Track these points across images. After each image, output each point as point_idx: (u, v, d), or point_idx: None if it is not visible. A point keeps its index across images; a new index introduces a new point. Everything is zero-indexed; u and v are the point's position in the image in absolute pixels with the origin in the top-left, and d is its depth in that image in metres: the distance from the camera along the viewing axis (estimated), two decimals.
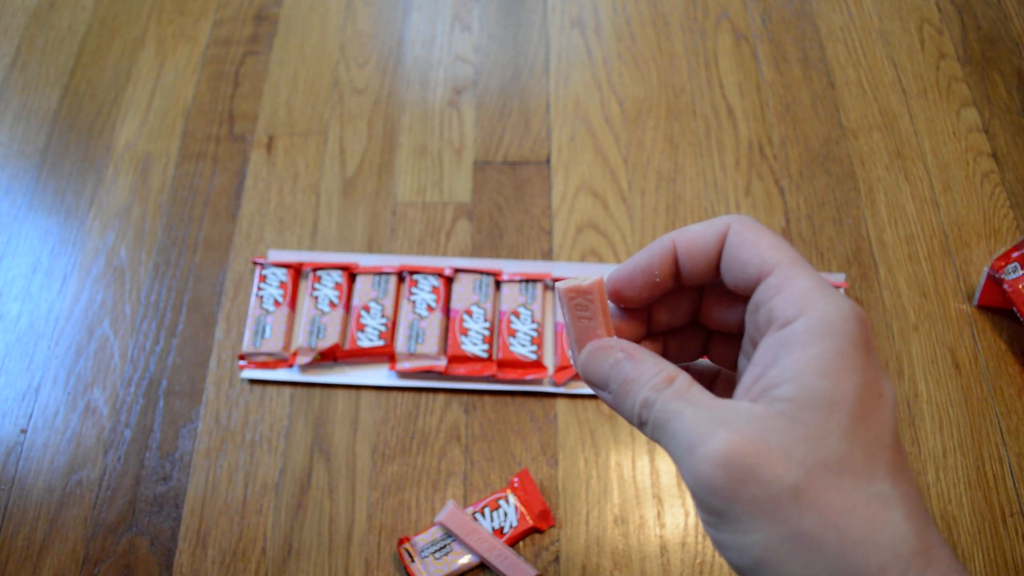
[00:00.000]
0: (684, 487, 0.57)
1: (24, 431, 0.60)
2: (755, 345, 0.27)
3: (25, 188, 0.71)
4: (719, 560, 0.55)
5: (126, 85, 0.76)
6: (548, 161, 0.72)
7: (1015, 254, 0.62)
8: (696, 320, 0.31)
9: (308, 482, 0.58)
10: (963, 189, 0.70)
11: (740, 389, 0.25)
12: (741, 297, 0.28)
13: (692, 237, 0.28)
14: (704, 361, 0.33)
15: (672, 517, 0.56)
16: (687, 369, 0.31)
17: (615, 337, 0.29)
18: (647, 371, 0.27)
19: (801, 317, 0.24)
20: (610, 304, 0.30)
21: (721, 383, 0.31)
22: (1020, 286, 0.60)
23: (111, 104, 0.75)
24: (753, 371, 0.25)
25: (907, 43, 0.78)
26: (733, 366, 0.31)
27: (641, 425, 0.26)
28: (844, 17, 0.80)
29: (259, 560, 0.55)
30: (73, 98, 0.76)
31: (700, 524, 0.56)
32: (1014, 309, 0.61)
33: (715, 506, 0.23)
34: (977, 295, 0.64)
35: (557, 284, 0.29)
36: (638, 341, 0.30)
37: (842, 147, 0.72)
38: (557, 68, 0.77)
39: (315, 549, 0.56)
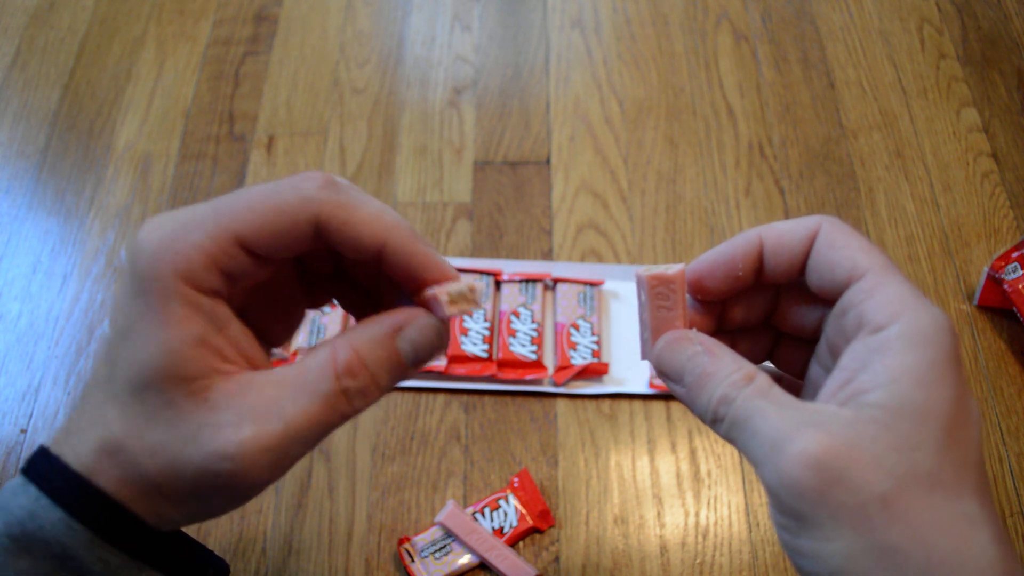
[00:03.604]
0: (684, 487, 0.57)
1: (24, 431, 0.60)
2: (834, 350, 0.26)
3: (25, 188, 0.71)
4: (719, 560, 0.55)
5: (126, 85, 0.76)
6: (548, 161, 0.72)
7: (1015, 254, 0.62)
8: (768, 321, 0.30)
9: (308, 482, 0.58)
10: (963, 189, 0.70)
11: (825, 392, 0.24)
12: (821, 300, 0.27)
13: (780, 233, 0.27)
14: (766, 365, 0.31)
15: (672, 517, 0.56)
16: None
17: (694, 329, 0.28)
18: (726, 367, 0.25)
19: (895, 323, 0.23)
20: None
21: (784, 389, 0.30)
22: (1020, 286, 0.60)
23: (111, 104, 0.75)
24: (840, 375, 0.24)
25: (907, 43, 0.78)
26: (799, 373, 0.30)
27: (715, 422, 0.25)
28: (844, 17, 0.80)
29: (259, 560, 0.55)
30: (73, 98, 0.76)
31: (694, 525, 0.56)
32: (1014, 309, 0.61)
33: (799, 509, 0.22)
34: (977, 295, 0.64)
35: (638, 270, 0.28)
36: (708, 335, 0.29)
37: (842, 147, 0.73)
38: (557, 68, 0.77)
39: (315, 549, 0.56)
